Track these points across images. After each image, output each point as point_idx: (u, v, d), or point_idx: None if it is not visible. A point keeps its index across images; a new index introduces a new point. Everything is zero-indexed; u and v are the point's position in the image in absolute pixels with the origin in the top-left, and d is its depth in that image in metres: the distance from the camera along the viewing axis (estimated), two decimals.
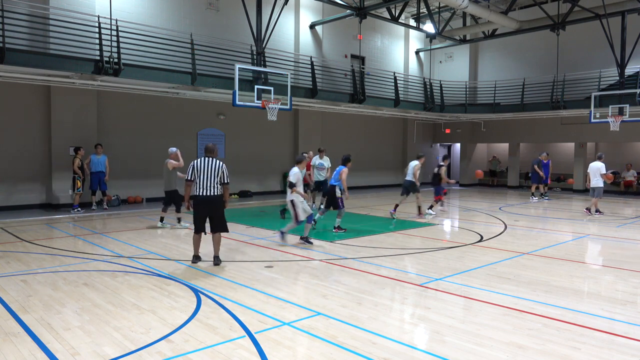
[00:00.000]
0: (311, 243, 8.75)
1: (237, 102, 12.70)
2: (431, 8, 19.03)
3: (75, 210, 12.71)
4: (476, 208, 14.73)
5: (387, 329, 4.62)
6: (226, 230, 7.19)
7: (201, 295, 5.61)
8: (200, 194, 6.96)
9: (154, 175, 15.45)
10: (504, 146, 23.86)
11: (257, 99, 13.13)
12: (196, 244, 7.30)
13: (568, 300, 5.58)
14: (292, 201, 8.56)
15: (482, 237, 9.68)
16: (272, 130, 18.18)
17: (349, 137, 21.32)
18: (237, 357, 3.96)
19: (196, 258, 7.28)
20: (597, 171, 12.94)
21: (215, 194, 6.97)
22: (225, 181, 7.03)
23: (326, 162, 13.35)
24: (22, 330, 4.50)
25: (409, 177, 12.39)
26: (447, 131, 24.77)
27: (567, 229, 10.90)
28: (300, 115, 19.12)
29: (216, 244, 7.22)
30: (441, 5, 19.96)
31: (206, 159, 7.00)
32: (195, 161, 7.01)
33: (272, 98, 13.38)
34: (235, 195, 17.02)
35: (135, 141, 15.03)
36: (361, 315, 4.99)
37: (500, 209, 13.79)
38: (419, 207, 12.57)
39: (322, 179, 13.21)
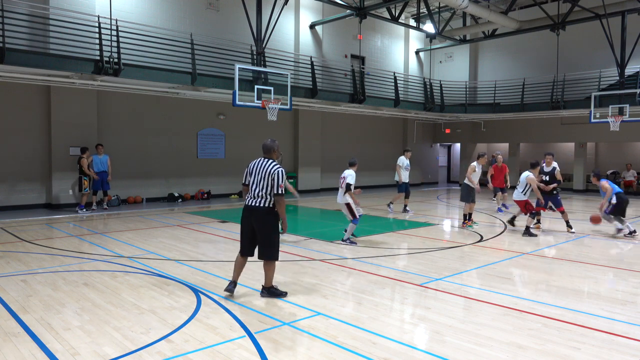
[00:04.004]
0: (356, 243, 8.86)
1: (237, 102, 12.70)
2: (431, 8, 19.03)
3: (83, 210, 12.73)
4: (476, 208, 14.70)
5: (387, 329, 4.61)
6: (272, 258, 5.49)
7: (201, 295, 5.61)
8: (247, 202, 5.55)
9: (154, 175, 15.48)
10: (504, 146, 23.85)
11: (257, 99, 13.13)
12: (235, 267, 5.69)
13: (568, 300, 5.58)
14: (347, 204, 8.68)
15: (482, 237, 9.68)
16: (272, 130, 18.15)
17: (349, 137, 21.33)
18: (237, 357, 3.96)
19: (232, 284, 5.60)
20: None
21: (260, 205, 5.42)
22: (277, 191, 5.37)
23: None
24: (22, 330, 4.50)
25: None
26: (447, 131, 24.78)
27: (566, 229, 10.88)
28: (300, 115, 19.12)
29: (264, 272, 5.61)
30: (441, 5, 19.97)
31: (261, 159, 5.56)
32: (252, 161, 5.68)
33: (272, 98, 13.38)
34: (235, 196, 17.01)
35: (135, 141, 15.03)
36: (361, 315, 4.99)
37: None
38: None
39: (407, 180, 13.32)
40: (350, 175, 8.71)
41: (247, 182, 5.59)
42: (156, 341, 4.27)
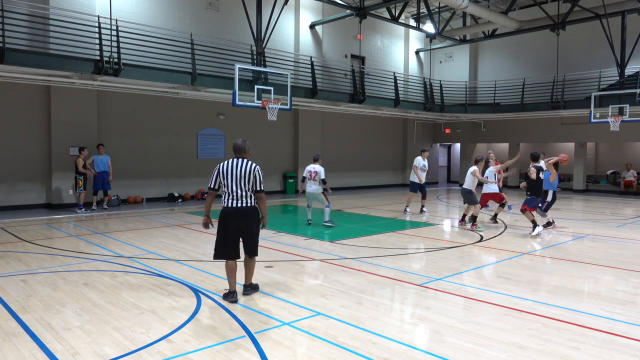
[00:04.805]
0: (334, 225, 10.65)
1: (237, 102, 12.70)
2: (431, 8, 19.04)
3: (82, 210, 12.73)
4: None
5: (387, 329, 4.62)
6: (256, 253, 5.66)
7: (201, 295, 5.61)
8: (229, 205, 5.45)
9: (154, 175, 15.49)
10: (504, 146, 23.86)
11: (257, 99, 13.13)
12: (230, 274, 5.52)
13: (568, 300, 5.58)
14: (323, 192, 10.52)
15: (482, 237, 9.68)
16: (272, 130, 18.19)
17: (349, 137, 21.33)
18: (237, 357, 3.96)
19: (234, 294, 5.49)
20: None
21: (246, 205, 5.45)
22: (260, 188, 5.47)
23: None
24: (22, 330, 4.50)
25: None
26: (447, 131, 24.79)
27: (567, 229, 10.89)
28: (300, 115, 19.12)
29: (249, 269, 5.74)
30: (441, 5, 19.98)
31: (234, 160, 5.50)
32: (220, 164, 5.53)
33: (272, 98, 13.39)
34: None
35: (135, 141, 15.03)
36: (361, 315, 4.99)
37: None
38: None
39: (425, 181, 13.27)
40: (322, 171, 10.45)
41: (216, 187, 5.48)
42: (156, 341, 4.27)
